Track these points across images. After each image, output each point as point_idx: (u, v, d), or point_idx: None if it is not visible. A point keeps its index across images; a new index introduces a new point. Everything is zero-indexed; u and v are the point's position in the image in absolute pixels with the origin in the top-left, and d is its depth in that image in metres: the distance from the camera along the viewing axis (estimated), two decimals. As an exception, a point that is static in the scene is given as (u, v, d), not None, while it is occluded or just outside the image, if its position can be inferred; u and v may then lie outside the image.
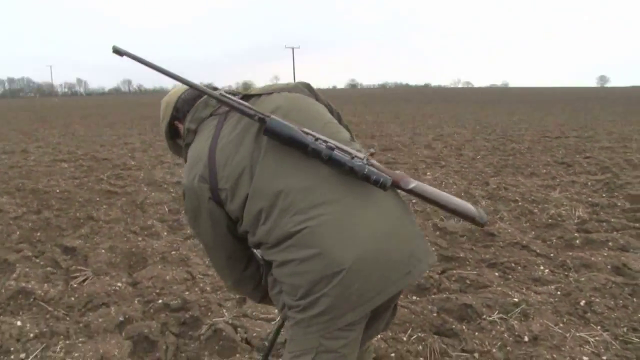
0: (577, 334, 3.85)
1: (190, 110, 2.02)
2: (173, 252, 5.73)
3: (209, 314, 4.36)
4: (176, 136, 2.20)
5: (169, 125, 2.15)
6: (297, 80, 2.16)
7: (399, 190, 2.01)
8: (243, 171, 1.81)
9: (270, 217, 1.82)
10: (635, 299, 4.41)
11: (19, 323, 4.01)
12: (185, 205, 1.98)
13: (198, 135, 1.97)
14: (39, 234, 6.40)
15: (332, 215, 1.78)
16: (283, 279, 1.87)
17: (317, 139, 1.80)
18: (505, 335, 3.93)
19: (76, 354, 3.68)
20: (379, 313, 2.01)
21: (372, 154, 1.92)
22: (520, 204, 7.57)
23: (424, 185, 1.97)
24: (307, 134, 1.79)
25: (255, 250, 2.10)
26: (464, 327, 4.04)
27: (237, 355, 3.72)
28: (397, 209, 1.95)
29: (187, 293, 4.69)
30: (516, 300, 4.35)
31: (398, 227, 1.91)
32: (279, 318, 2.79)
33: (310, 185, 1.79)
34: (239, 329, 4.02)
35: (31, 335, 3.92)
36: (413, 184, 1.95)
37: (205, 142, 1.88)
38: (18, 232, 6.37)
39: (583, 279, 4.80)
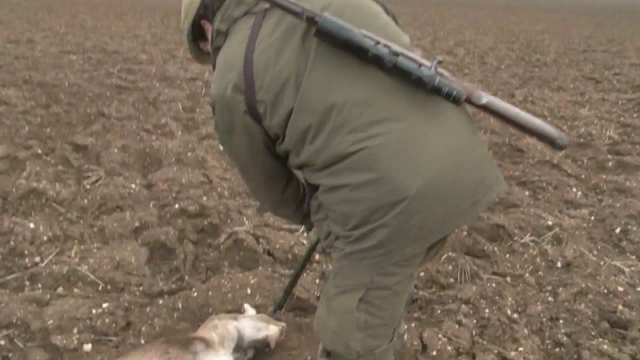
0: (612, 263, 3.63)
1: (221, 8, 1.66)
2: (189, 153, 5.47)
3: (229, 221, 4.16)
4: (201, 38, 1.84)
5: (193, 24, 1.78)
6: None
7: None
8: (287, 81, 1.51)
9: (320, 135, 1.52)
10: (677, 225, 4.14)
11: (31, 225, 3.84)
12: (216, 120, 1.67)
13: (230, 38, 1.64)
14: (48, 130, 6.13)
15: (395, 135, 1.48)
16: (332, 206, 1.60)
17: (377, 43, 1.45)
18: (538, 259, 3.72)
19: (91, 260, 3.53)
20: (435, 243, 1.75)
21: (440, 62, 1.55)
22: (549, 119, 7.13)
23: (497, 100, 1.61)
24: (366, 36, 1.46)
25: (296, 172, 1.82)
26: (495, 248, 3.82)
27: (260, 268, 3.55)
28: (467, 128, 1.63)
29: (204, 198, 4.48)
30: (550, 223, 4.10)
31: (468, 149, 1.59)
32: (309, 238, 2.54)
33: (369, 98, 1.47)
34: (260, 240, 3.83)
35: (45, 238, 3.76)
36: (486, 98, 1.60)
37: (240, 45, 1.56)
38: (27, 128, 6.10)
39: (618, 204, 4.51)
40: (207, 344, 2.48)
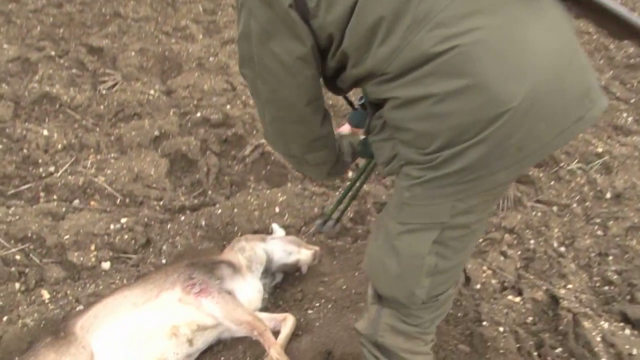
0: (667, 196, 3.27)
1: None
2: (210, 58, 5.06)
3: (254, 132, 3.85)
4: None
5: None
6: None
7: None
8: None
9: (395, 31, 1.16)
10: None
11: (45, 132, 3.59)
12: (243, 22, 1.29)
13: None
14: (61, 30, 5.72)
15: (491, 31, 1.13)
16: (405, 124, 1.27)
17: None
18: (585, 188, 3.36)
19: (108, 171, 3.29)
20: None
21: None
22: (594, 37, 6.44)
23: None
24: None
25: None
26: (540, 174, 3.46)
27: (289, 185, 3.28)
28: (568, 26, 1.27)
29: (228, 107, 4.14)
30: (599, 150, 3.68)
31: (573, 52, 1.24)
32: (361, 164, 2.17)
33: None
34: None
35: (59, 146, 3.51)
36: None
37: None
38: (39, 28, 5.69)
39: (671, 131, 4.05)
40: (234, 268, 2.27)
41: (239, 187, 3.45)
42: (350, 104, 1.77)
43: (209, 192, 3.35)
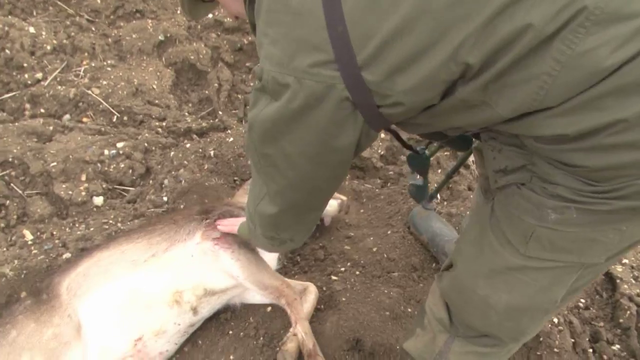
0: None
1: None
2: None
3: (273, 42, 3.32)
4: None
5: None
6: None
7: None
8: None
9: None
10: None
11: (32, 29, 3.08)
12: (290, 97, 0.93)
13: None
14: None
15: None
16: (570, 159, 0.91)
17: None
18: None
19: (104, 82, 2.84)
20: None
21: None
22: None
23: None
24: None
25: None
26: None
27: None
28: None
29: (244, 8, 3.56)
30: None
31: None
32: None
33: None
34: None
35: (48, 47, 3.02)
36: None
37: None
38: None
39: None
40: None
41: (254, 108, 3.00)
42: (410, 147, 1.47)
43: (219, 112, 2.91)
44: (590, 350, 1.89)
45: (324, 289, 1.92)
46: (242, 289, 1.82)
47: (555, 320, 1.90)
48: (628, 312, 1.97)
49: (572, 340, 1.87)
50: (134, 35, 3.15)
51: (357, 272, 2.00)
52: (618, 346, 1.92)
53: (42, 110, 2.71)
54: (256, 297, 1.83)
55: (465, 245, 1.19)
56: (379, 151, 2.67)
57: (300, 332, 1.65)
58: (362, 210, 2.38)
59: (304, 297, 1.79)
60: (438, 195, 2.18)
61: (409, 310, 1.85)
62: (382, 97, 0.90)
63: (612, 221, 0.94)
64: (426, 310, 1.32)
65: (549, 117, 0.87)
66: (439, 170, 2.66)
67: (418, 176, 1.64)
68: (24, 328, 1.62)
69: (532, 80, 0.83)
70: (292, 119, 0.94)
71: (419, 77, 0.86)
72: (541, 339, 1.81)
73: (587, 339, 1.91)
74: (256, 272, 1.78)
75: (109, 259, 1.76)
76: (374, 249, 2.09)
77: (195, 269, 1.77)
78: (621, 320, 1.98)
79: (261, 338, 1.74)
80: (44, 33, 3.06)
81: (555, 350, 1.80)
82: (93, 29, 3.24)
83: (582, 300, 2.09)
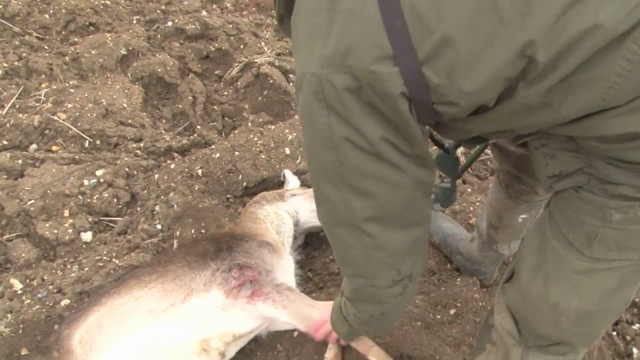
0: None
1: None
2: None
3: (241, 47, 3.20)
4: None
5: None
6: None
7: None
8: None
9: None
10: None
11: (-23, 52, 2.84)
12: (324, 117, 0.92)
13: None
14: None
15: None
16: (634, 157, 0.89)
17: None
18: None
19: (69, 105, 2.64)
20: None
21: None
22: None
23: None
24: None
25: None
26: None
27: (295, 116, 2.73)
28: None
29: (204, 13, 3.41)
30: None
31: None
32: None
33: None
34: (291, 75, 2.94)
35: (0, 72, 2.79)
36: None
37: None
38: None
39: None
40: (272, 247, 1.80)
41: (233, 119, 2.88)
42: (442, 146, 1.41)
43: (198, 126, 2.78)
44: (614, 333, 1.92)
45: (346, 305, 1.85)
46: (271, 322, 1.72)
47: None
48: (643, 291, 2.02)
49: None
50: (93, 52, 2.95)
51: (377, 284, 1.94)
52: (638, 325, 1.96)
53: (5, 142, 2.49)
54: (283, 325, 1.75)
55: (528, 254, 1.16)
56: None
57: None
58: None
59: None
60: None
61: (438, 317, 1.81)
62: (439, 95, 0.88)
63: None
64: (495, 325, 1.28)
65: (614, 116, 0.85)
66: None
67: (446, 179, 1.59)
68: (39, 390, 1.47)
69: (601, 81, 0.80)
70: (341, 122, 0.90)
71: (481, 76, 0.83)
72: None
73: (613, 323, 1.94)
74: (306, 311, 1.67)
75: (122, 307, 1.62)
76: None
77: (222, 319, 1.66)
78: (637, 300, 2.02)
79: (295, 366, 1.66)
80: (-8, 55, 2.82)
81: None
82: (46, 47, 3.01)
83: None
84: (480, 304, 1.95)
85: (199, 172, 2.40)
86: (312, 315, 1.63)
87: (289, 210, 2.05)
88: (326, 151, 0.95)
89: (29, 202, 2.15)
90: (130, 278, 1.70)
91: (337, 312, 1.42)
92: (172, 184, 2.33)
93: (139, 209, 2.31)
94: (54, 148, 2.52)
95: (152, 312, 1.59)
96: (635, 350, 1.91)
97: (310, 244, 2.22)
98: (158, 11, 3.42)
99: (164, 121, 2.85)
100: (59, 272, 2.00)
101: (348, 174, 0.97)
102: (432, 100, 0.89)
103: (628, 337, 1.92)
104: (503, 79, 0.83)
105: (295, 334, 1.76)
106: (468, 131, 1.03)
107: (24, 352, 1.73)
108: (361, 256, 1.10)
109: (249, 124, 2.70)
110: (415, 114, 0.91)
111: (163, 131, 2.73)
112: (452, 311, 1.86)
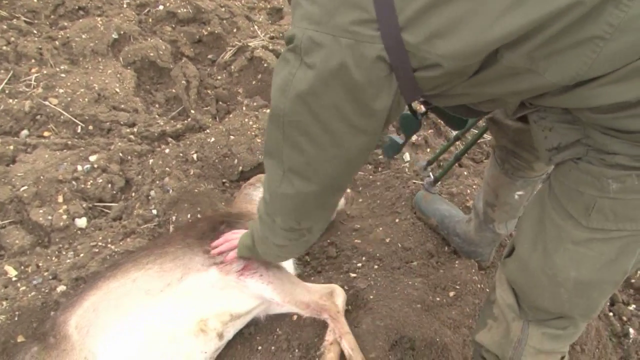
0: None
1: None
2: None
3: (234, 30, 3.16)
4: None
5: None
6: None
7: None
8: None
9: None
10: None
11: (-36, 37, 2.77)
12: (308, 65, 0.95)
13: None
14: None
15: None
16: (627, 125, 0.90)
17: None
18: None
19: (61, 90, 2.60)
20: None
21: None
22: None
23: None
24: None
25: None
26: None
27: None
28: None
29: (196, -4, 3.36)
30: None
31: None
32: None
33: None
34: (285, 59, 2.90)
35: (-13, 57, 2.73)
36: None
37: None
38: None
39: None
40: None
41: (227, 103, 2.85)
42: (412, 109, 1.42)
43: (192, 111, 2.74)
44: (611, 313, 1.93)
45: (346, 288, 1.85)
46: (268, 304, 1.71)
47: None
48: (639, 272, 2.02)
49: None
50: (83, 36, 2.89)
51: (376, 266, 1.94)
52: (634, 306, 1.98)
53: (-5, 129, 2.45)
54: (281, 309, 1.74)
55: (527, 227, 1.16)
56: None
57: (348, 348, 1.58)
58: (360, 200, 2.31)
59: (331, 298, 1.71)
60: (431, 175, 2.15)
61: (438, 299, 1.81)
62: (420, 60, 0.89)
63: None
64: (496, 299, 1.28)
65: (604, 84, 0.86)
66: (428, 150, 2.63)
67: (401, 134, 1.59)
68: (37, 377, 1.45)
69: (583, 45, 0.82)
70: (329, 78, 0.93)
71: (462, 43, 0.84)
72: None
73: (607, 303, 1.95)
74: (292, 290, 1.68)
75: (119, 290, 1.60)
76: (387, 240, 2.03)
77: (218, 298, 1.65)
78: (633, 281, 2.03)
79: (296, 350, 1.65)
80: (-20, 41, 2.76)
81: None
82: (35, 31, 2.95)
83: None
84: (479, 286, 1.95)
85: (194, 156, 2.38)
86: (296, 293, 1.64)
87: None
88: (279, 95, 1.00)
89: (22, 189, 2.11)
90: (127, 262, 1.68)
91: (250, 225, 1.51)
92: (167, 168, 2.30)
93: (133, 194, 2.28)
94: (46, 134, 2.48)
95: (149, 292, 1.58)
96: (631, 330, 1.92)
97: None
98: (148, -6, 3.35)
99: (157, 106, 2.81)
100: (54, 258, 1.98)
101: (288, 124, 1.02)
102: (413, 67, 0.91)
103: (624, 318, 1.94)
104: (485, 43, 0.84)
105: (295, 317, 1.75)
106: (461, 96, 1.04)
107: (20, 339, 1.71)
108: (276, 192, 1.17)
109: (244, 108, 2.67)
110: (398, 88, 0.95)
111: (157, 116, 2.69)
112: (452, 293, 1.86)
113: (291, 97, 0.98)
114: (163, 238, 1.85)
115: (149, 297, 1.57)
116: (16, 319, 1.73)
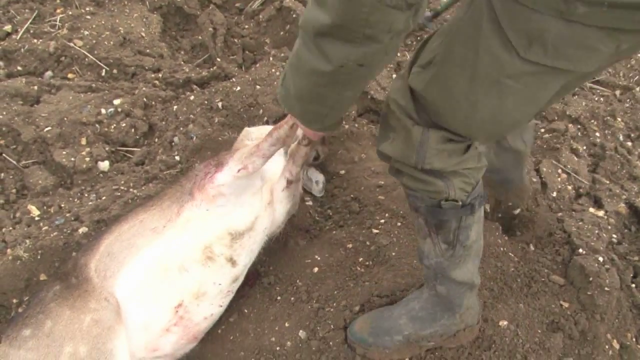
0: None
1: None
2: None
3: (263, -22, 3.05)
4: None
5: None
6: None
7: None
8: None
9: None
10: None
11: (-10, -26, 2.73)
12: None
13: None
14: None
15: None
16: None
17: None
18: None
19: (86, 32, 2.55)
20: None
21: None
22: None
23: None
24: None
25: None
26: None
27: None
28: None
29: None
30: None
31: None
32: None
33: None
34: (314, 9, 2.81)
35: (13, -4, 2.69)
36: None
37: None
38: None
39: None
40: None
41: (254, 53, 2.78)
42: None
43: (218, 59, 2.68)
44: (633, 285, 1.87)
45: (368, 243, 1.82)
46: (268, 215, 1.69)
47: (601, 259, 1.86)
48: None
49: (619, 277, 1.83)
50: (110, -22, 2.82)
51: (399, 224, 1.90)
52: (658, 278, 1.91)
53: (19, 68, 2.43)
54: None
55: (457, 46, 1.07)
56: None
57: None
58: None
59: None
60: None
61: (462, 259, 1.77)
62: None
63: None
64: (392, 109, 1.22)
65: None
66: None
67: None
68: (59, 317, 1.45)
69: None
70: None
71: None
72: (591, 278, 1.77)
73: (631, 275, 1.88)
74: (246, 151, 1.63)
75: (130, 231, 1.60)
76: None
77: (212, 219, 1.63)
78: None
79: (314, 301, 1.63)
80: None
81: (606, 289, 1.76)
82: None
83: (614, 236, 2.06)
84: (502, 249, 1.91)
85: (219, 104, 2.33)
86: (258, 147, 1.61)
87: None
88: None
89: (46, 129, 2.10)
90: (138, 205, 1.69)
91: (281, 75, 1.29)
92: (191, 115, 2.27)
93: (157, 140, 2.25)
94: (70, 75, 2.45)
95: (155, 230, 1.57)
96: (653, 302, 1.87)
97: (330, 181, 2.16)
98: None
99: (182, 52, 2.76)
100: (76, 200, 1.97)
101: None
102: None
103: (647, 290, 1.87)
104: None
105: (315, 269, 1.73)
106: None
107: (42, 277, 1.72)
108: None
109: (271, 59, 2.59)
110: None
111: (182, 62, 2.64)
112: (476, 254, 1.81)
113: None
114: (169, 182, 1.86)
115: (156, 235, 1.57)
116: (39, 257, 1.74)
